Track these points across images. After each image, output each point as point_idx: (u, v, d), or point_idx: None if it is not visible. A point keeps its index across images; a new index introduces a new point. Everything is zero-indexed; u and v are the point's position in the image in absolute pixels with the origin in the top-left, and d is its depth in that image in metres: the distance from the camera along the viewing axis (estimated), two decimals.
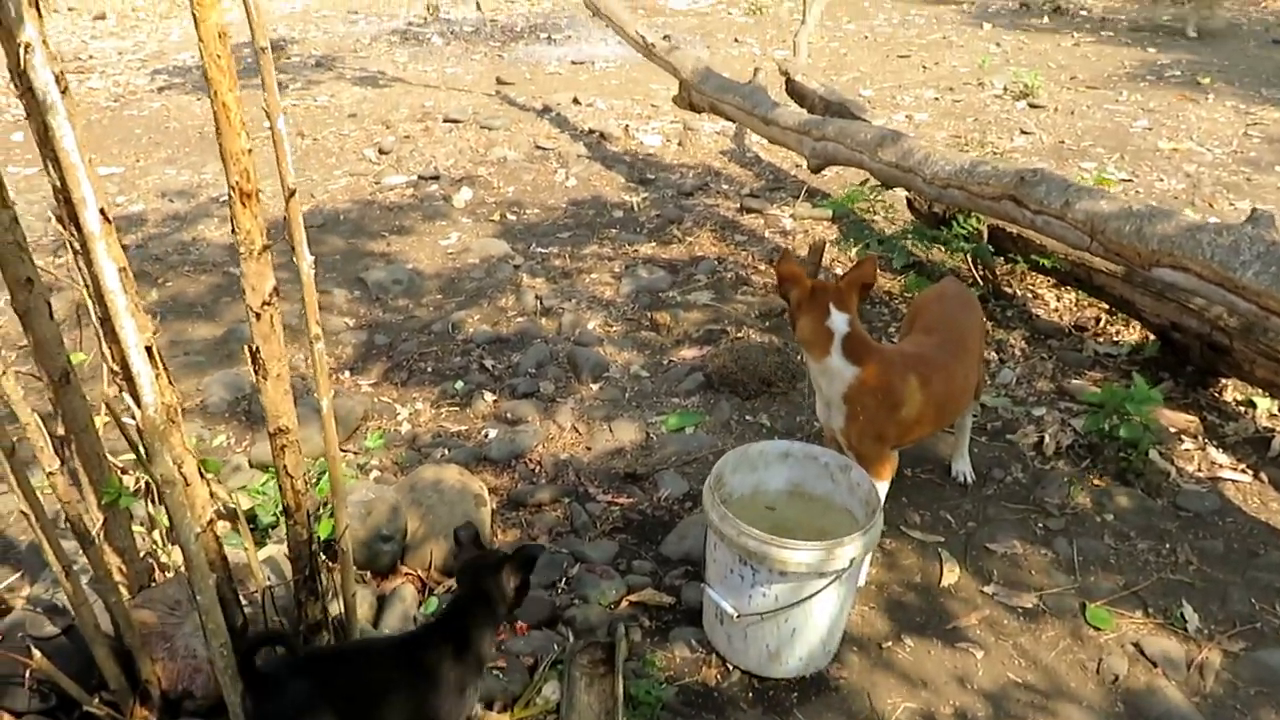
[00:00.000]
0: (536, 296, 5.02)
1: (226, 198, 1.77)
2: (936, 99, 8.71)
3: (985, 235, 4.61)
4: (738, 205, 6.25)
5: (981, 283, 4.70)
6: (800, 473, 2.91)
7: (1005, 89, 8.78)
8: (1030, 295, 4.83)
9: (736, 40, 11.45)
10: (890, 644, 2.82)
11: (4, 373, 1.77)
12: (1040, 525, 3.31)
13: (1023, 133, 7.63)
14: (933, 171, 4.26)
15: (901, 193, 5.14)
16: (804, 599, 2.52)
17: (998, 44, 10.84)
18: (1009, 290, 4.84)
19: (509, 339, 4.63)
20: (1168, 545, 3.21)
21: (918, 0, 13.59)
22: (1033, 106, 8.32)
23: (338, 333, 4.69)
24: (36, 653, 2.21)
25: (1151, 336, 4.26)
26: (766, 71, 6.63)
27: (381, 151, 7.51)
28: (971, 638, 2.84)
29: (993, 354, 4.32)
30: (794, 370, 4.14)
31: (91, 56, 10.95)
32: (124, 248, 1.83)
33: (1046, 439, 3.68)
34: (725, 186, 6.68)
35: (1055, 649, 2.80)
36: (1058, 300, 4.78)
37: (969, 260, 4.73)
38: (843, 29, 11.94)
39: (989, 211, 4.17)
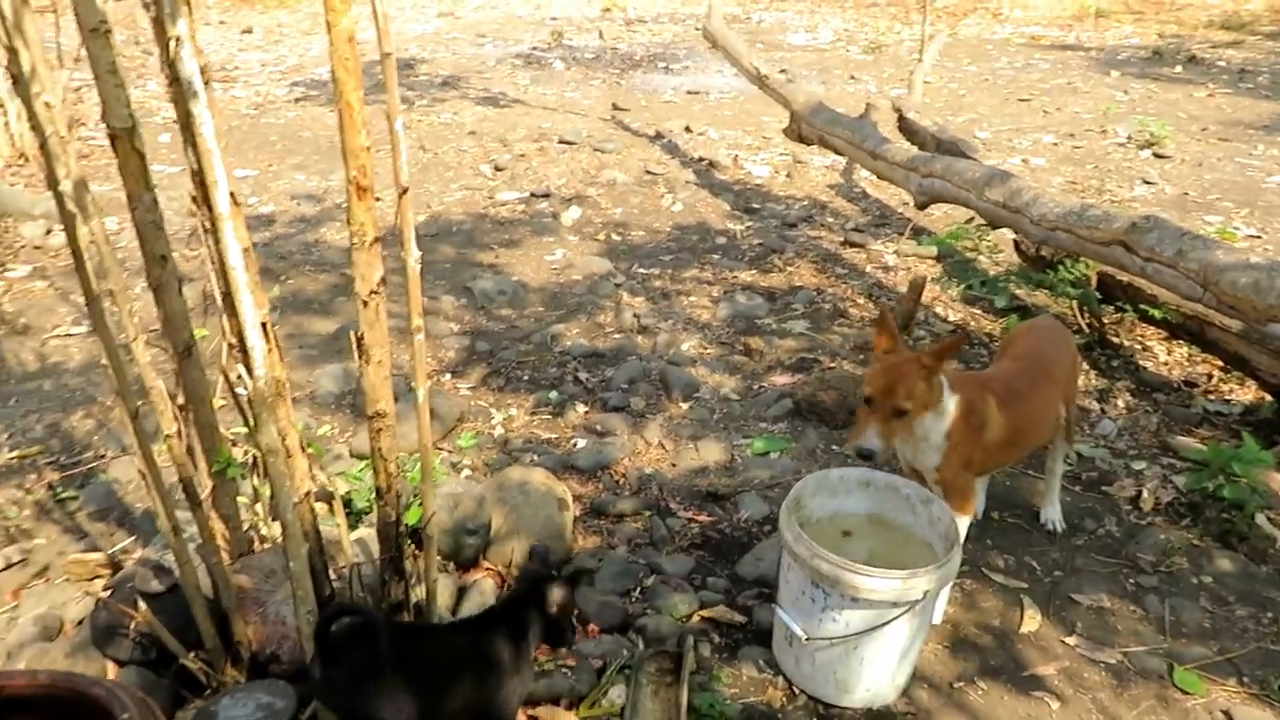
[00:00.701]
0: (635, 315, 5.11)
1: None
2: (1055, 144, 8.53)
3: (1094, 282, 4.50)
4: (841, 239, 6.24)
5: (1087, 330, 4.59)
6: (881, 502, 2.89)
7: (1130, 137, 8.54)
8: (1139, 347, 4.68)
9: (853, 77, 11.44)
10: (962, 685, 2.77)
11: (135, 339, 1.93)
12: (1131, 581, 3.20)
13: (1145, 182, 7.40)
14: (1040, 213, 4.20)
15: (1008, 234, 5.06)
16: (875, 627, 2.50)
17: (1125, 91, 10.55)
18: (1116, 340, 4.70)
19: (605, 354, 4.72)
20: (1270, 614, 3.07)
21: (1043, 45, 13.34)
22: (1158, 156, 8.07)
23: (442, 337, 4.86)
24: (142, 605, 2.37)
25: (1268, 397, 4.08)
26: (879, 108, 6.63)
27: (497, 168, 7.76)
28: (1048, 687, 2.77)
29: (1094, 404, 4.21)
30: None
31: (236, 67, 11.63)
32: (253, 245, 1.98)
33: (1145, 493, 3.56)
34: (830, 220, 6.68)
35: (1137, 708, 2.71)
36: (1168, 354, 4.62)
37: (1075, 307, 4.62)
38: (963, 70, 11.80)
39: (1097, 257, 4.08)
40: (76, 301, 5.22)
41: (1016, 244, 5.10)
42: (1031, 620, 3.00)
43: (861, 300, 5.31)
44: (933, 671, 2.81)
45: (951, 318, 5.07)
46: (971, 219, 5.11)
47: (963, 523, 2.84)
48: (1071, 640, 2.94)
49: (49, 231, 6.09)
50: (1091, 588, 3.15)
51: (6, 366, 4.57)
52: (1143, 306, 4.40)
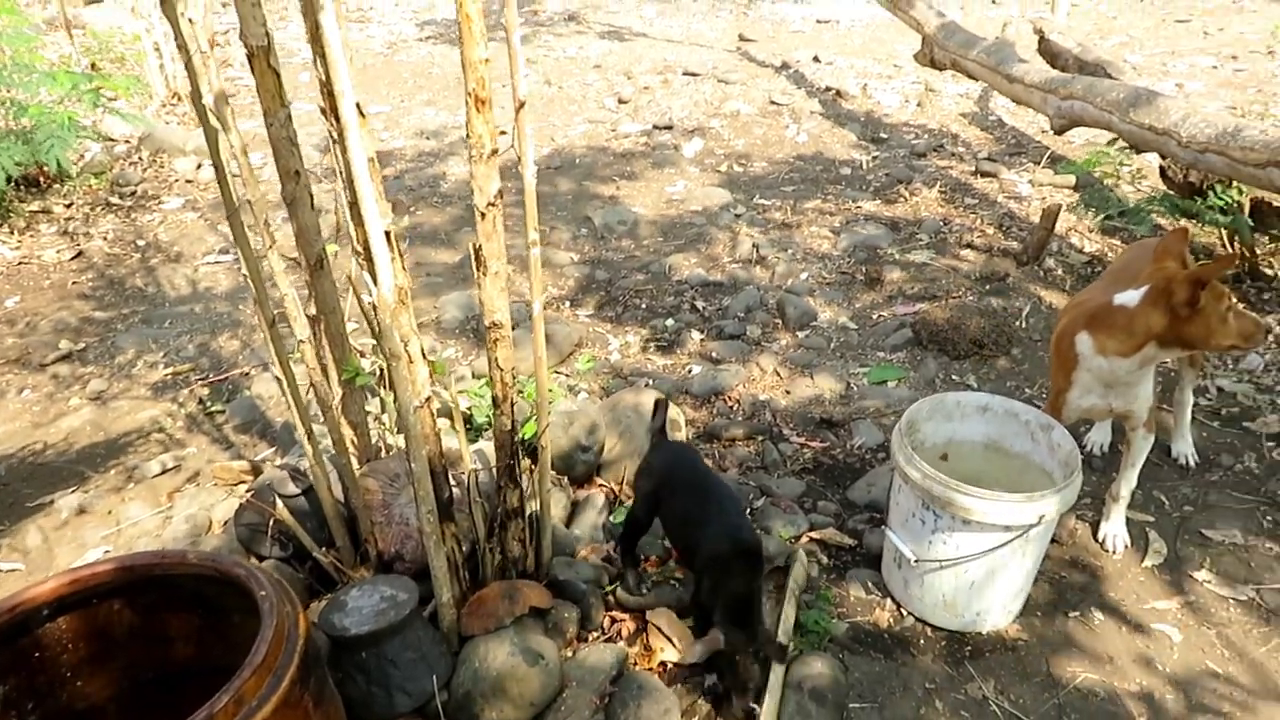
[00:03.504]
0: (753, 245, 5.07)
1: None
2: (1215, 67, 7.94)
3: (1246, 209, 4.21)
4: (973, 168, 6.01)
5: (1238, 261, 4.31)
6: (999, 428, 2.83)
7: None
8: None
9: (994, 2, 10.88)
10: (1078, 616, 2.71)
11: (270, 247, 2.05)
12: (1270, 519, 3.04)
13: None
14: (1190, 134, 3.94)
15: (1154, 159, 4.77)
16: (985, 551, 2.47)
17: None
18: (1269, 271, 4.40)
19: (722, 284, 4.72)
20: None
21: None
22: None
23: (561, 266, 4.95)
24: (280, 505, 2.54)
25: None
26: (1019, 32, 6.30)
27: (621, 101, 7.76)
28: (1169, 621, 2.68)
29: None
30: (1009, 334, 3.98)
31: (372, 8, 11.92)
32: (383, 179, 2.06)
33: None
34: (961, 149, 6.44)
35: (1267, 645, 2.60)
36: None
37: (1224, 235, 4.34)
38: None
39: (1252, 181, 3.81)
40: (224, 232, 5.53)
41: (1162, 170, 4.80)
42: (1156, 554, 2.90)
43: (990, 230, 5.12)
44: (1047, 600, 2.76)
45: (1088, 248, 4.84)
46: (1114, 141, 4.83)
47: (1151, 441, 2.82)
48: (1199, 575, 2.83)
49: (199, 166, 6.46)
50: (1225, 524, 3.01)
51: (161, 291, 4.91)
52: None
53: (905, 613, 2.71)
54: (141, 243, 5.46)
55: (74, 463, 3.50)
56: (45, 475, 3.44)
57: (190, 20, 1.86)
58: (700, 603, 2.46)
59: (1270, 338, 2.49)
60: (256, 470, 3.32)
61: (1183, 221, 4.49)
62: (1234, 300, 2.50)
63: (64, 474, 3.43)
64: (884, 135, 6.78)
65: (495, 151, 2.03)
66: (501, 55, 1.92)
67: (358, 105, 1.79)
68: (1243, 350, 2.58)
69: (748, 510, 3.10)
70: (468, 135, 2.01)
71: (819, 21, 10.43)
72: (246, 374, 4.02)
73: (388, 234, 1.93)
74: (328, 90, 1.85)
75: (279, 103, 2.11)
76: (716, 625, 2.32)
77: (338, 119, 1.79)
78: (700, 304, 4.54)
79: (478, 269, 2.15)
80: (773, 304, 4.47)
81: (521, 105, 2.04)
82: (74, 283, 5.00)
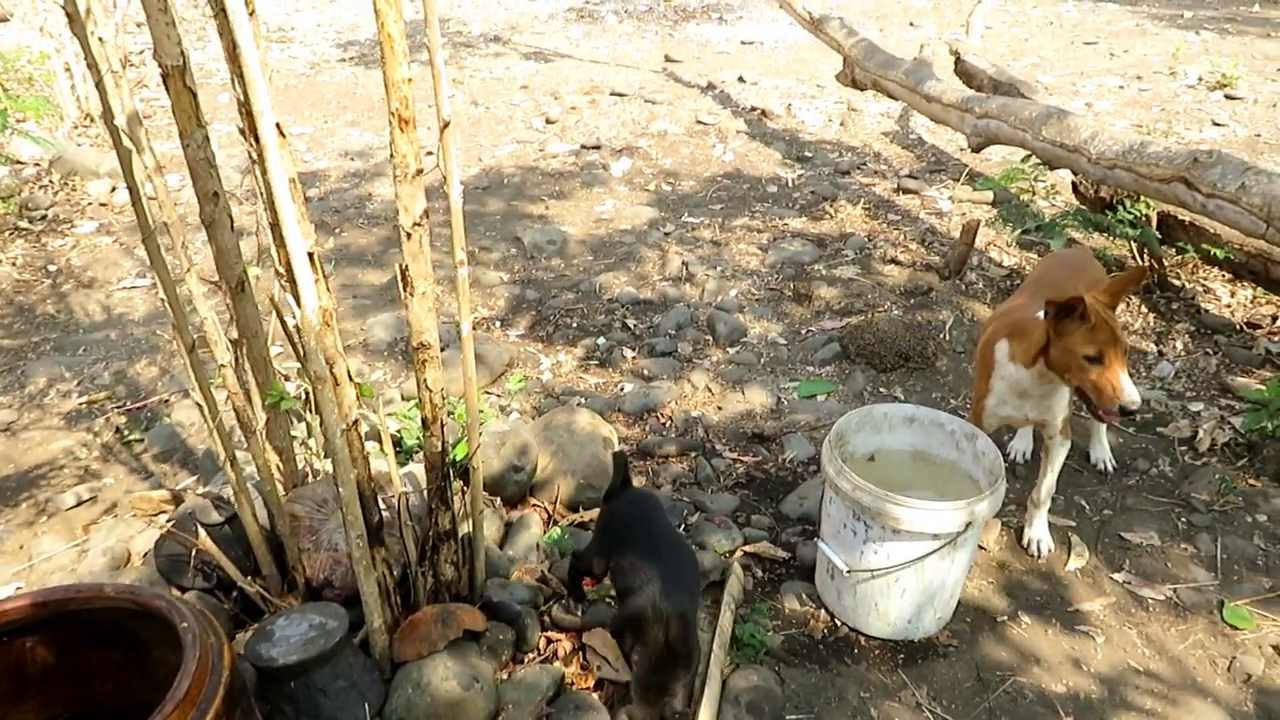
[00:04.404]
0: (683, 263, 5.11)
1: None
2: (1121, 87, 8.27)
3: (1154, 221, 4.38)
4: (895, 185, 6.15)
5: (1148, 273, 4.48)
6: (925, 438, 2.88)
7: (1200, 79, 8.25)
8: (1200, 289, 4.56)
9: (911, 24, 11.18)
10: (1005, 619, 2.77)
11: (189, 270, 2.00)
12: (1184, 520, 3.16)
13: (1215, 124, 7.15)
14: (1099, 150, 4.09)
15: (1066, 175, 4.94)
16: (916, 559, 2.51)
17: (1197, 33, 10.16)
18: (1176, 282, 4.58)
19: (652, 301, 4.75)
20: None
21: None
22: (1229, 98, 7.78)
23: (492, 286, 4.92)
24: (204, 535, 2.47)
25: None
26: (936, 53, 6.49)
27: (548, 121, 7.77)
28: (1094, 622, 2.76)
29: (1151, 346, 4.12)
30: (934, 346, 4.07)
31: (293, 28, 11.75)
32: (306, 199, 2.03)
33: (1201, 434, 3.50)
34: (884, 167, 6.59)
35: (1185, 642, 2.69)
36: (1231, 295, 4.50)
37: (1134, 247, 4.51)
38: (1027, 14, 11.47)
39: (1158, 195, 3.97)
40: (140, 256, 5.38)
41: (1074, 185, 4.97)
42: (1079, 558, 2.98)
43: (914, 246, 5.24)
44: (976, 605, 2.81)
45: (1006, 262, 4.98)
46: (1028, 158, 4.99)
47: (1067, 448, 2.89)
48: (1120, 577, 2.91)
49: (114, 189, 6.27)
50: (1142, 526, 3.12)
51: (75, 317, 4.75)
52: (1205, 246, 4.28)
53: (839, 623, 2.74)
54: (53, 268, 5.28)
55: None
56: None
57: (101, 39, 1.81)
58: (622, 649, 2.43)
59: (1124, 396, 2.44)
60: (177, 499, 3.22)
61: (1094, 235, 4.66)
62: (1115, 337, 2.45)
63: None
64: (808, 154, 6.90)
65: (420, 171, 2.01)
66: (426, 76, 1.91)
67: (278, 125, 1.76)
68: (1097, 403, 2.50)
69: (682, 527, 3.10)
70: (392, 155, 1.99)
71: (743, 43, 10.59)
72: (166, 401, 3.91)
73: (311, 255, 1.90)
74: (247, 110, 1.81)
75: (196, 123, 2.06)
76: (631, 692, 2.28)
77: (257, 139, 1.76)
78: (631, 322, 4.55)
79: (404, 289, 2.13)
80: (703, 321, 4.50)
81: (446, 125, 2.04)
82: None
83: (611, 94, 8.43)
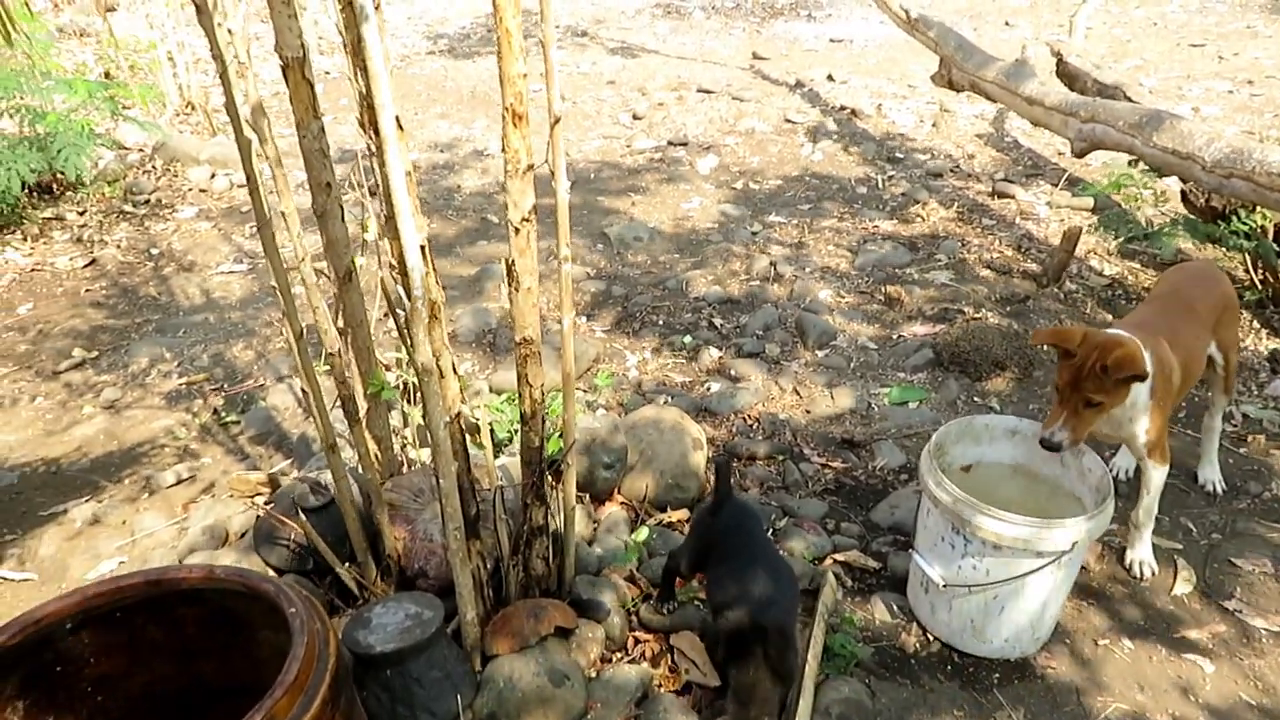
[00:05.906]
0: (770, 262, 5.05)
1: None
2: (1231, 92, 7.93)
3: (1271, 233, 4.18)
4: (989, 189, 6.00)
5: (1260, 286, 4.28)
6: (1028, 452, 2.79)
7: None
8: None
9: (1008, 24, 10.91)
10: (1107, 642, 2.67)
11: (303, 260, 2.02)
12: None
13: None
14: (1214, 158, 3.92)
15: (1175, 182, 4.75)
16: (1015, 577, 2.43)
17: None
18: None
19: (739, 300, 4.70)
20: None
21: None
22: None
23: (577, 281, 4.92)
24: (301, 518, 2.51)
25: None
26: (1036, 54, 6.30)
27: (635, 117, 7.76)
28: (1200, 649, 2.64)
29: (1264, 364, 3.94)
30: (1030, 355, 3.95)
31: (385, 21, 11.94)
32: None
33: None
34: (978, 169, 6.43)
35: None
36: None
37: (1247, 260, 4.31)
38: (1130, 15, 11.09)
39: (1277, 206, 3.79)
40: (237, 241, 5.53)
41: (1183, 193, 4.78)
42: (1185, 582, 2.86)
43: (1009, 251, 5.10)
44: (1076, 627, 2.72)
45: (1108, 271, 4.82)
46: (1135, 163, 4.81)
47: (1163, 472, 2.76)
48: (1230, 605, 2.79)
49: (213, 176, 6.45)
50: (1254, 552, 2.98)
51: (175, 300, 4.89)
52: None
53: (932, 637, 2.67)
54: (155, 251, 5.45)
55: (87, 472, 3.47)
56: (58, 484, 3.41)
57: (230, 31, 1.84)
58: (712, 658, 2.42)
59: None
60: (273, 482, 3.29)
61: (1206, 246, 4.47)
62: (1068, 380, 2.51)
63: (77, 483, 3.41)
64: (899, 155, 6.77)
65: (531, 166, 2.01)
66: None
67: (397, 119, 1.77)
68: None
69: (769, 530, 3.06)
70: (503, 149, 1.99)
71: (832, 40, 10.44)
72: (261, 385, 4.00)
73: (423, 248, 1.91)
74: (368, 103, 1.82)
75: (312, 114, 2.09)
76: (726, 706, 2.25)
77: (377, 132, 1.77)
78: (718, 320, 4.51)
79: (510, 284, 2.13)
80: (791, 322, 4.44)
81: (557, 121, 2.03)
82: (87, 290, 4.98)
83: (698, 90, 8.39)
